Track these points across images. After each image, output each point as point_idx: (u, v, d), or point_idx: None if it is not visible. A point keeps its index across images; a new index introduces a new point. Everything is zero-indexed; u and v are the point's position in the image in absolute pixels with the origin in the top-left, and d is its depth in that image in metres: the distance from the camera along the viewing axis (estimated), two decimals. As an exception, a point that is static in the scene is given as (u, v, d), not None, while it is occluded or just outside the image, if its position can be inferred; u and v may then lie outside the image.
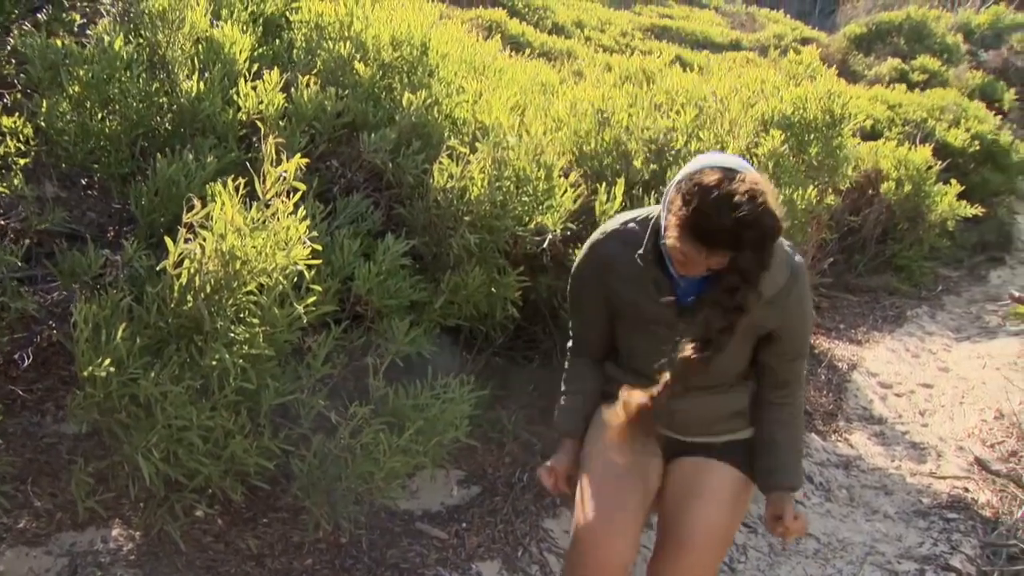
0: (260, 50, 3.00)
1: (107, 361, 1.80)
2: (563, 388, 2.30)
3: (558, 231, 2.70)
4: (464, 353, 3.17)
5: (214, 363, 1.93)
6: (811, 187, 3.66)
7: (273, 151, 1.91)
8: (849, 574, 3.00)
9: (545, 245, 2.69)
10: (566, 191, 2.74)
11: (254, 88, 2.59)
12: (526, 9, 10.78)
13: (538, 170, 2.68)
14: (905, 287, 7.37)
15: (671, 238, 1.79)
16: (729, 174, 1.72)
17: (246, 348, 1.94)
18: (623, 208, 3.07)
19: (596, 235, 2.14)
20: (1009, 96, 13.16)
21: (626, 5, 15.62)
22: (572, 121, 3.34)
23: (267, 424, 2.08)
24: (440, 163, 2.56)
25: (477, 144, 2.63)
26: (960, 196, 7.27)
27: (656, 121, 3.42)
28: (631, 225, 2.05)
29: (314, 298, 2.05)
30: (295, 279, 2.04)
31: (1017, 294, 2.68)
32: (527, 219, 2.67)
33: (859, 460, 4.06)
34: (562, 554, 2.79)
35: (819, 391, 4.83)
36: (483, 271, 2.58)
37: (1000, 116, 11.35)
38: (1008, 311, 6.57)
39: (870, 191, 7.16)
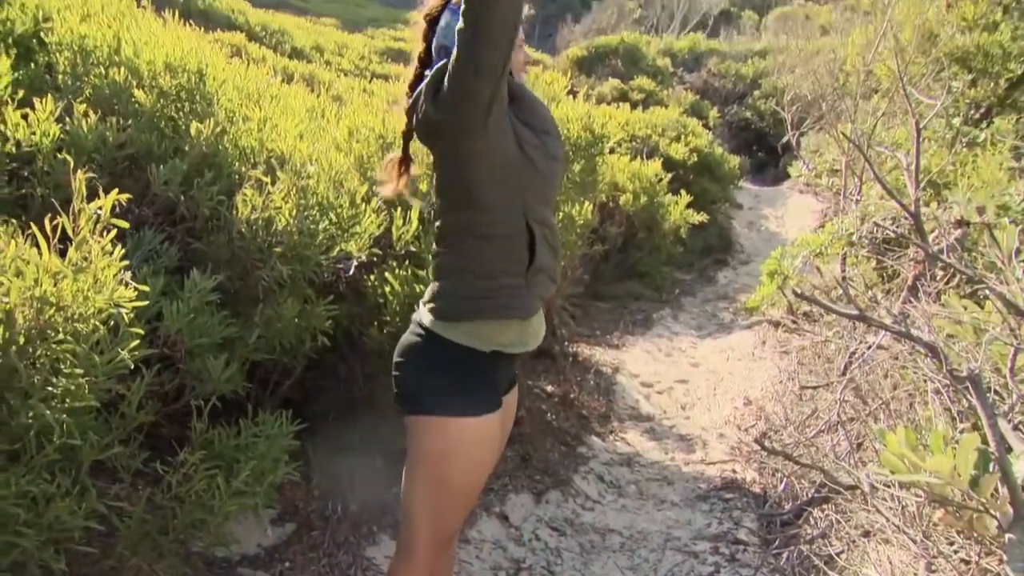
0: (16, 74, 2.77)
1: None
2: None
3: (364, 256, 2.73)
4: (258, 389, 3.10)
5: (30, 421, 1.78)
6: (587, 203, 3.93)
7: (83, 186, 1.81)
8: (654, 561, 3.27)
9: (352, 271, 2.71)
10: (371, 217, 2.77)
11: (24, 117, 2.40)
12: (263, 33, 10.61)
13: (340, 197, 2.70)
14: (648, 292, 8.04)
15: None
16: None
17: (67, 401, 1.81)
18: (419, 233, 3.16)
19: None
20: (713, 114, 14.71)
21: (359, 28, 15.74)
22: (355, 147, 3.37)
23: (90, 482, 1.94)
24: (243, 194, 2.51)
25: (279, 174, 2.61)
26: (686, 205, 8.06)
27: (439, 144, 3.52)
28: None
29: (136, 342, 1.95)
30: (111, 323, 1.94)
31: (799, 291, 3.04)
32: (331, 247, 2.67)
33: (639, 456, 4.40)
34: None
35: (591, 395, 5.17)
36: (295, 302, 2.56)
37: (708, 131, 12.66)
38: (738, 306, 7.37)
39: (610, 203, 7.70)
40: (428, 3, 2.05)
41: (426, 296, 2.03)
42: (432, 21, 2.05)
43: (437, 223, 2.01)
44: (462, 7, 1.73)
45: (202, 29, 4.11)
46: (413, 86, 2.08)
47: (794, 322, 5.98)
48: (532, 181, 1.95)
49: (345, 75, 9.86)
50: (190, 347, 2.34)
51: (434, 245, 2.02)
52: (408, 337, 2.04)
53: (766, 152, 16.21)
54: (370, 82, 7.62)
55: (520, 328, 2.00)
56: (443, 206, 1.98)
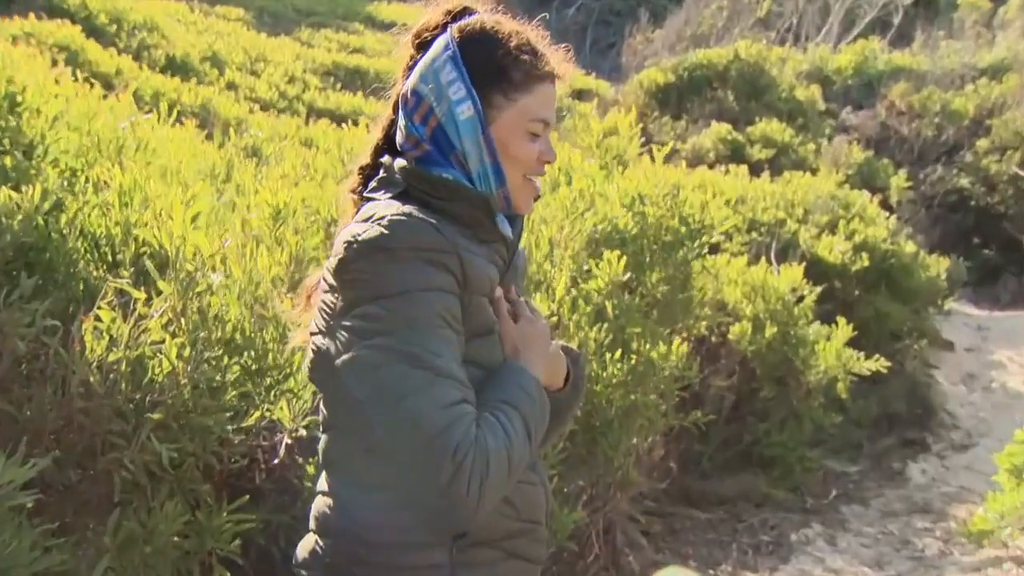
0: None
1: None
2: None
3: (302, 429, 2.73)
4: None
5: None
6: (676, 339, 3.93)
7: None
8: None
9: (282, 452, 2.71)
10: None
11: None
12: (114, 28, 10.80)
13: (263, 328, 2.72)
14: (780, 493, 7.88)
15: None
16: None
17: None
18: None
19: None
20: (898, 181, 14.61)
21: (284, 26, 16.13)
22: (289, 240, 3.41)
23: None
24: (94, 317, 2.53)
25: (159, 284, 2.63)
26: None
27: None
28: None
29: None
30: None
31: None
32: (245, 411, 2.68)
33: None
34: None
35: None
36: (179, 506, 2.55)
37: (888, 213, 12.56)
38: (953, 528, 7.17)
39: (713, 337, 7.57)
40: (425, 18, 2.11)
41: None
42: (422, 46, 2.09)
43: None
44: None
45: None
46: (365, 170, 2.15)
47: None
48: None
49: (264, 109, 10.01)
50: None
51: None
52: (309, 541, 2.03)
53: (999, 249, 16.06)
54: (307, 123, 7.78)
55: None
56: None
